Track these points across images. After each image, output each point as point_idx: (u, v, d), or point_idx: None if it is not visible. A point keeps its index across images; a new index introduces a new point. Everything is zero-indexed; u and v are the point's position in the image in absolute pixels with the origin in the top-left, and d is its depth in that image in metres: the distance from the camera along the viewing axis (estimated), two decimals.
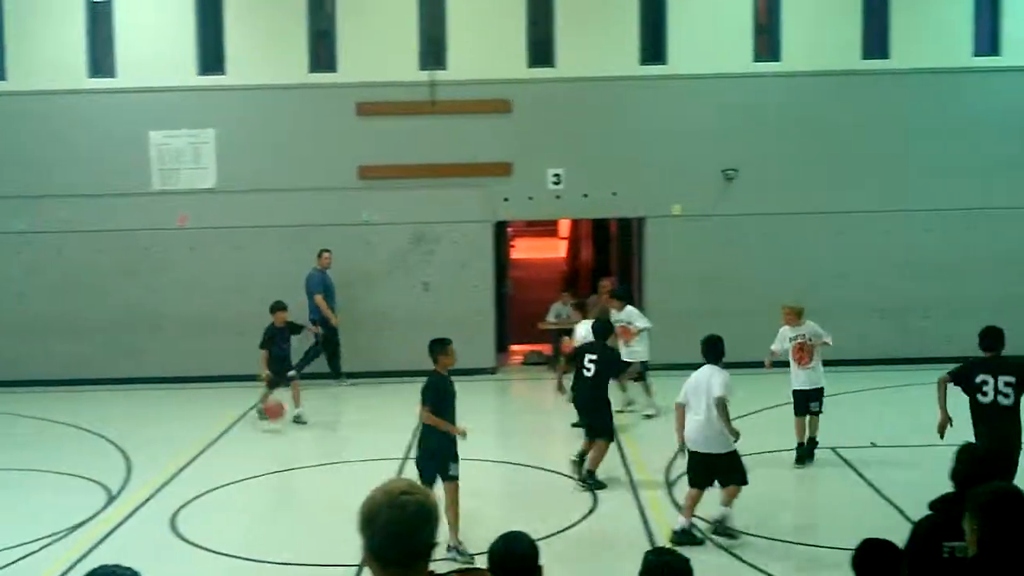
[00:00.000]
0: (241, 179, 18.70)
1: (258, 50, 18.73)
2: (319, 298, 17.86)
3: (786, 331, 13.27)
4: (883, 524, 9.10)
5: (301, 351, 17.40)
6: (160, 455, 14.06)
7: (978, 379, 9.93)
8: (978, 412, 9.96)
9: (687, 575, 4.57)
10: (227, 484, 12.81)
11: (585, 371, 12.74)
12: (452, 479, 10.49)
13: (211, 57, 18.85)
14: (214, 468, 13.57)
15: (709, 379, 10.57)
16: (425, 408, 10.59)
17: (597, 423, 12.70)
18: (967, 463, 6.12)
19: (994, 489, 4.69)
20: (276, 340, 15.59)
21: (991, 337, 10.18)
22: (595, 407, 12.74)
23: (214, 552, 10.60)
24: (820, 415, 13.17)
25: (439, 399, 10.61)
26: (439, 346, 10.71)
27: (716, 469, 10.56)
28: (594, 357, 12.72)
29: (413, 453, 13.93)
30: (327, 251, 18.22)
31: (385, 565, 3.48)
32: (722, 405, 10.42)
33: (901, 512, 10.79)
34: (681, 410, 10.75)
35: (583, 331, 14.49)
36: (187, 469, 13.59)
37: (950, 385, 10.24)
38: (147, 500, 12.29)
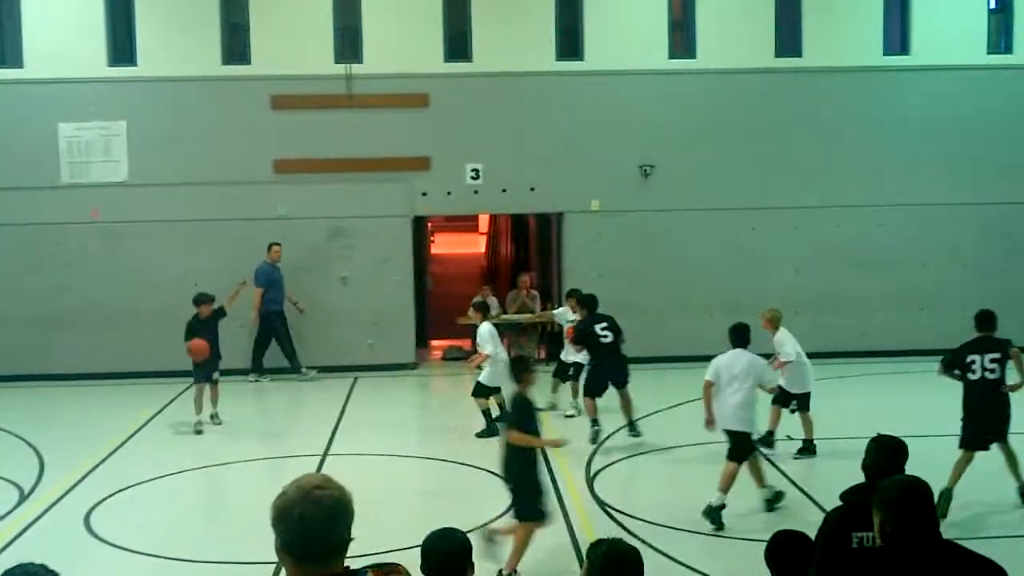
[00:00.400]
0: (154, 172, 18.39)
1: (170, 41, 18.43)
2: (257, 292, 17.84)
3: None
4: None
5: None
6: (74, 452, 13.78)
7: (967, 360, 10.97)
8: (969, 388, 11.03)
9: (639, 564, 4.55)
10: (143, 482, 12.59)
11: (603, 339, 14.03)
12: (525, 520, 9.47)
13: (122, 48, 18.51)
14: (129, 466, 13.32)
15: (751, 363, 11.08)
16: (512, 430, 9.47)
17: (624, 377, 14.09)
18: (877, 454, 6.25)
19: (900, 481, 4.78)
20: (199, 333, 15.03)
21: (989, 319, 11.18)
22: (625, 366, 14.13)
23: (130, 551, 10.41)
24: (799, 412, 13.29)
25: (526, 419, 9.53)
26: (522, 365, 9.86)
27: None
28: (604, 325, 14.10)
29: (334, 449, 13.97)
30: (277, 245, 18.18)
31: (299, 561, 3.43)
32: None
33: (817, 504, 11.03)
34: (710, 388, 11.18)
35: (486, 331, 14.50)
36: (102, 466, 13.33)
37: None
38: (61, 498, 12.03)
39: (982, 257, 19.38)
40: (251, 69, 18.50)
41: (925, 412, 13.58)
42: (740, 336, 11.31)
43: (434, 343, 20.59)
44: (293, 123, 18.55)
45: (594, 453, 13.44)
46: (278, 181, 18.64)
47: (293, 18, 18.48)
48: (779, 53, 19.10)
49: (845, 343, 18.84)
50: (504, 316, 19.35)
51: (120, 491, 12.26)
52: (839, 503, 6.00)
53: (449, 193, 18.94)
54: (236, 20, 18.71)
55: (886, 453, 6.22)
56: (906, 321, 19.09)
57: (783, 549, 5.65)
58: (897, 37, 19.31)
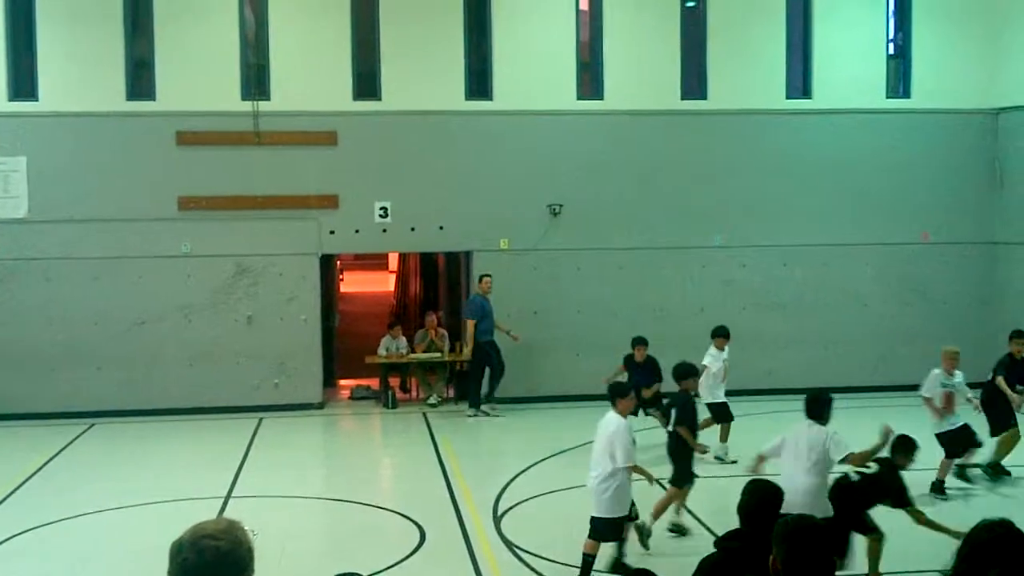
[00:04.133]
0: (55, 209, 18.00)
1: (74, 76, 18.09)
2: (470, 324, 18.03)
3: None
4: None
5: None
6: None
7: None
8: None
9: None
10: (36, 527, 12.21)
11: None
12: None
13: (23, 82, 18.15)
14: (21, 512, 12.88)
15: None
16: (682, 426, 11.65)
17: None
18: (752, 497, 6.25)
19: (795, 518, 4.81)
20: None
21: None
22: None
23: None
24: None
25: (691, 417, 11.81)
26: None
27: None
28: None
29: (237, 491, 13.69)
30: (487, 276, 18.37)
31: None
32: None
33: None
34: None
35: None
36: None
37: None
38: None
39: (880, 297, 19.79)
40: (156, 105, 18.24)
41: None
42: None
43: (342, 382, 20.39)
44: (198, 160, 18.32)
45: (502, 491, 13.37)
46: (182, 218, 18.34)
47: (199, 54, 18.28)
48: (685, 96, 19.39)
49: (751, 381, 19.03)
50: (412, 356, 19.25)
51: (11, 538, 11.86)
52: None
53: (357, 231, 18.82)
54: (141, 55, 18.45)
55: (761, 496, 6.22)
56: (810, 359, 19.39)
57: None
58: (799, 81, 19.74)
